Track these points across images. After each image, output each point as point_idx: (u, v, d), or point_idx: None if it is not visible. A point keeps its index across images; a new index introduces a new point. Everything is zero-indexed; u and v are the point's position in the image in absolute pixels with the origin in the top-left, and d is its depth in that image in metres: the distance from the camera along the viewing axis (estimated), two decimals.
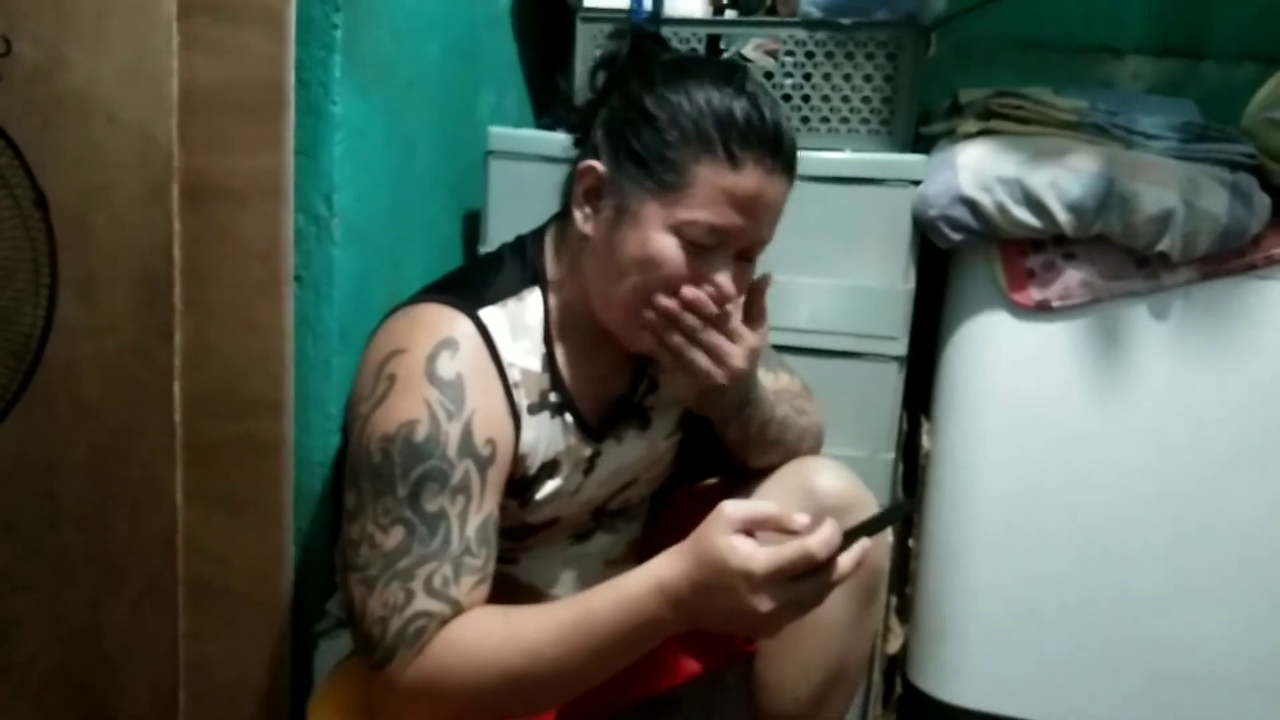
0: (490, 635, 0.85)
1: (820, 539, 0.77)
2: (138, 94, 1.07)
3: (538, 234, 1.03)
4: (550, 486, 1.00)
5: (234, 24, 1.06)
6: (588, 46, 1.43)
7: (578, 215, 0.95)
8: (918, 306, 1.35)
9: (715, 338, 0.93)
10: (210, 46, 1.07)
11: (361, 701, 0.92)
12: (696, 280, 0.91)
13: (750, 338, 0.96)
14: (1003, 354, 1.36)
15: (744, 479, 1.10)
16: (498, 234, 1.40)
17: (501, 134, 1.40)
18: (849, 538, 0.79)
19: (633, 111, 0.93)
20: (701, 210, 0.90)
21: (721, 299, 0.92)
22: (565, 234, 1.00)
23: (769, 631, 0.83)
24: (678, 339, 0.93)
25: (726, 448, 1.09)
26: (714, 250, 0.92)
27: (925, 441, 1.43)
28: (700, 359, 0.93)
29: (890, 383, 1.34)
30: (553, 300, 0.99)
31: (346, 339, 1.16)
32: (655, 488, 1.17)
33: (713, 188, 0.90)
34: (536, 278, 1.00)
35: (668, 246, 0.91)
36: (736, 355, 0.94)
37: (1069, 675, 1.40)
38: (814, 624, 1.06)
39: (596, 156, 0.95)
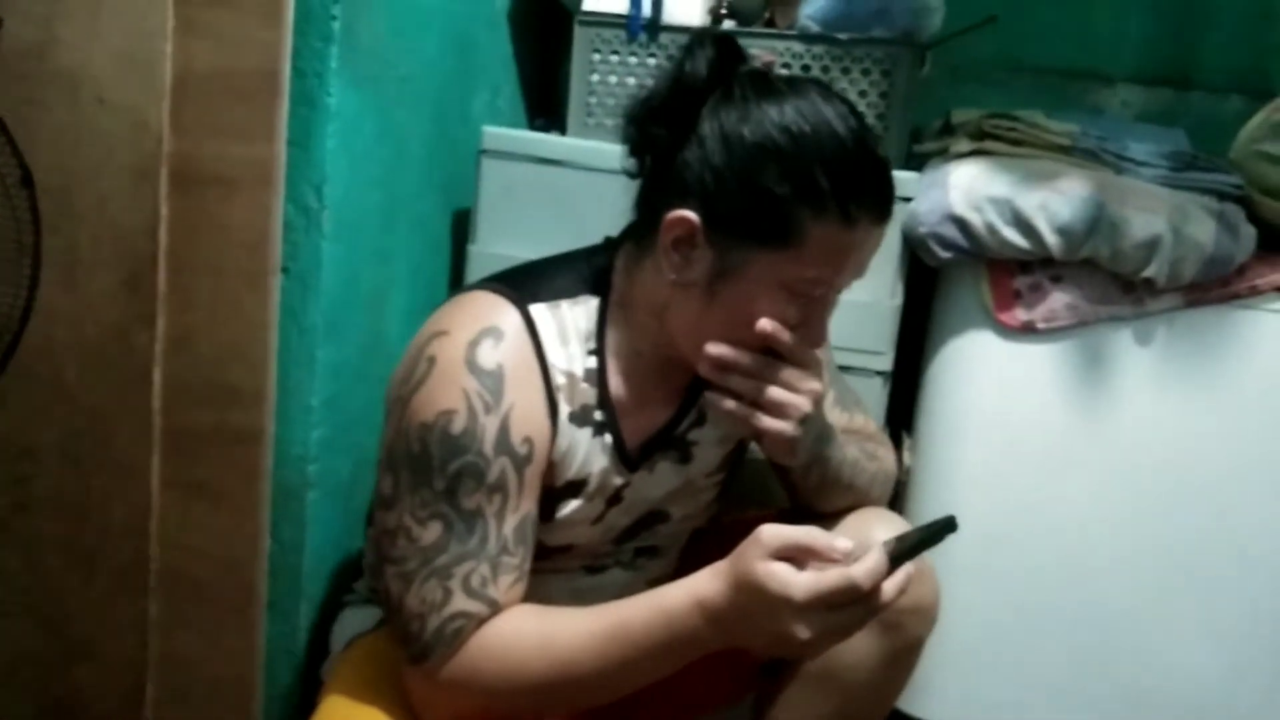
0: (524, 642, 0.85)
1: (865, 569, 0.74)
2: (130, 77, 1.06)
3: (614, 243, 0.98)
4: (572, 506, 0.96)
5: (231, 10, 1.05)
6: (585, 49, 1.43)
7: (665, 264, 0.89)
8: (904, 323, 1.36)
9: (776, 393, 0.90)
10: (206, 32, 1.06)
11: (378, 681, 0.93)
12: (794, 328, 0.89)
13: (809, 382, 0.92)
14: (987, 373, 1.37)
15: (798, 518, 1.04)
16: (488, 233, 1.40)
17: (495, 133, 1.40)
18: (894, 563, 0.76)
19: (732, 155, 0.85)
20: (813, 268, 0.86)
21: (814, 345, 0.91)
22: (640, 255, 0.93)
23: (809, 655, 0.82)
24: (739, 383, 0.91)
25: (793, 493, 1.05)
26: (811, 298, 0.89)
27: (906, 458, 1.44)
28: (765, 419, 0.91)
29: (874, 398, 1.34)
30: (612, 315, 0.95)
31: (331, 332, 1.15)
32: (693, 527, 1.10)
33: (826, 246, 0.85)
34: (599, 287, 0.95)
35: (777, 302, 0.88)
36: (800, 403, 0.91)
37: (1046, 695, 1.40)
38: (836, 680, 0.99)
39: (683, 198, 0.87)
